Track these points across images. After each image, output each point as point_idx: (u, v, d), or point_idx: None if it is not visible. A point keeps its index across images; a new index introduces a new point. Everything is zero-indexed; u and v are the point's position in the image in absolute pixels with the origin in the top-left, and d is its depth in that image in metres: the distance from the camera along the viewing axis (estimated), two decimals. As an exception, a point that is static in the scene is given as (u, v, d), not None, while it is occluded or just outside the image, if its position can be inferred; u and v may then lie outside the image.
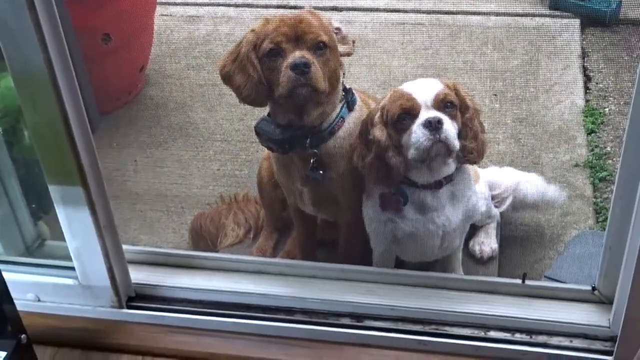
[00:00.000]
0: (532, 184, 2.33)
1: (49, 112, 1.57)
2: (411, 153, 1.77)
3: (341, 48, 1.85)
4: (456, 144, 1.76)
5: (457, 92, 1.81)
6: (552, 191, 2.33)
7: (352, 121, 1.91)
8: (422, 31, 3.28)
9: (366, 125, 1.85)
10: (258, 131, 1.89)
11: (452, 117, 1.78)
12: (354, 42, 1.88)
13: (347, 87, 1.92)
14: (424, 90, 1.78)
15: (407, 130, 1.77)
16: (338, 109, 1.89)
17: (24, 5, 1.43)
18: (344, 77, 1.90)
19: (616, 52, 3.17)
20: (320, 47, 1.78)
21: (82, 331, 1.90)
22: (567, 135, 2.77)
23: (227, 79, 1.86)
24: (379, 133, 1.80)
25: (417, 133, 1.75)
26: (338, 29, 1.85)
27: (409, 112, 1.77)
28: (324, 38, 1.78)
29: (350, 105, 1.91)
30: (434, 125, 1.73)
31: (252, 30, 1.82)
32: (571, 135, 2.77)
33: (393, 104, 1.79)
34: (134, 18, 3.01)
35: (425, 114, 1.76)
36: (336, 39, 1.84)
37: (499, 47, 3.10)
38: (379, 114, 1.82)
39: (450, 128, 1.75)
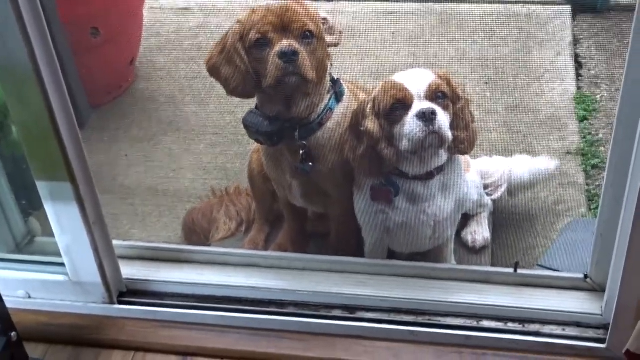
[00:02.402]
0: (523, 165, 2.33)
1: (34, 107, 1.56)
2: (404, 144, 1.76)
3: (328, 38, 1.84)
4: (449, 135, 1.75)
5: (448, 82, 1.80)
6: (543, 162, 2.33)
7: (340, 112, 1.90)
8: (412, 20, 3.26)
9: (357, 116, 1.83)
10: (246, 124, 1.87)
11: (445, 108, 1.77)
12: (341, 32, 1.87)
13: (335, 77, 1.91)
14: (416, 81, 1.77)
15: (400, 122, 1.76)
16: (326, 100, 1.88)
17: (6, -4, 1.42)
18: (331, 67, 1.89)
19: (608, 39, 3.16)
20: (307, 37, 1.76)
21: (74, 327, 1.89)
22: (559, 123, 2.76)
23: (214, 71, 1.85)
24: (371, 125, 1.79)
25: (411, 124, 1.74)
26: (325, 19, 1.84)
27: (401, 103, 1.76)
28: (311, 27, 1.77)
29: (338, 96, 1.90)
30: (427, 117, 1.72)
31: (238, 21, 1.81)
32: (563, 123, 2.76)
33: (385, 95, 1.78)
34: (122, 11, 2.99)
35: (419, 105, 1.74)
36: (323, 29, 1.82)
37: (489, 34, 3.08)
38: (370, 105, 1.81)
39: (443, 119, 1.74)
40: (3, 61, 1.51)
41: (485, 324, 1.77)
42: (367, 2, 3.41)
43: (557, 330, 1.74)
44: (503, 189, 2.31)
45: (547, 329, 1.75)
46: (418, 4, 3.35)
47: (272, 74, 1.74)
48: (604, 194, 1.64)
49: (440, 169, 1.85)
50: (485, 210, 2.27)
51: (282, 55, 1.72)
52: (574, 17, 3.24)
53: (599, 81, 2.96)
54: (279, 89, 1.77)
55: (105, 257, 1.81)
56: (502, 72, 2.95)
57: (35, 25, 1.48)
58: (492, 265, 2.19)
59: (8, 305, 1.65)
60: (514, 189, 2.33)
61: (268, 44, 1.75)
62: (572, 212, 2.43)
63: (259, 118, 1.85)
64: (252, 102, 1.94)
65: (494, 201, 2.31)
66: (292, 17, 1.75)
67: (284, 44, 1.73)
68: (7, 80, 1.54)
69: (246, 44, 1.78)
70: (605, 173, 1.63)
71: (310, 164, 1.87)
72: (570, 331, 1.74)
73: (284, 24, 1.75)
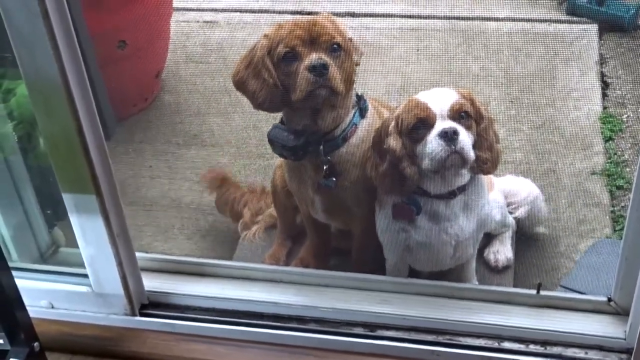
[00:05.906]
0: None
1: (62, 120, 1.57)
2: (426, 163, 1.76)
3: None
4: (471, 155, 1.75)
5: (472, 102, 1.80)
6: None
7: (364, 128, 1.90)
8: (437, 37, 3.26)
9: (380, 134, 1.84)
10: (271, 139, 1.88)
11: (468, 128, 1.77)
12: (362, 54, 1.88)
13: (359, 93, 1.91)
14: (440, 100, 1.77)
15: (422, 141, 1.76)
16: (351, 115, 1.88)
17: (39, 13, 1.44)
18: (355, 83, 1.89)
19: (634, 59, 3.15)
20: (335, 49, 1.77)
21: (95, 338, 1.90)
22: (584, 143, 2.75)
23: (240, 85, 1.85)
24: (393, 143, 1.79)
25: (433, 143, 1.74)
26: (350, 39, 1.84)
27: (424, 122, 1.76)
28: (339, 39, 1.78)
29: (362, 111, 1.91)
30: (449, 136, 1.72)
31: (266, 36, 1.82)
32: (588, 143, 2.75)
33: (408, 114, 1.78)
34: (150, 24, 3.02)
35: (441, 125, 1.74)
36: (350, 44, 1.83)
37: (515, 53, 3.08)
38: (393, 123, 1.81)
39: (465, 139, 1.74)
40: (33, 74, 1.53)
41: (507, 345, 1.75)
42: (392, 19, 3.41)
43: (580, 353, 1.72)
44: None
45: (569, 351, 1.72)
46: (443, 21, 3.36)
47: (302, 87, 1.74)
48: (630, 216, 1.62)
49: (462, 189, 1.85)
50: (509, 229, 2.25)
51: (312, 68, 1.73)
52: (600, 36, 3.23)
53: (625, 101, 2.94)
54: (309, 102, 1.78)
55: (128, 269, 1.82)
56: (527, 90, 2.94)
57: (65, 41, 1.50)
58: (515, 285, 2.17)
59: (31, 314, 1.67)
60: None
61: (297, 58, 1.76)
62: (596, 232, 2.41)
63: (284, 133, 1.86)
64: (277, 117, 1.95)
65: (517, 221, 2.29)
66: (320, 30, 1.76)
67: (314, 57, 1.74)
68: (36, 93, 1.56)
69: (274, 58, 1.79)
70: (632, 195, 1.61)
71: (334, 179, 1.88)
72: (592, 354, 1.71)
73: (312, 37, 1.76)
